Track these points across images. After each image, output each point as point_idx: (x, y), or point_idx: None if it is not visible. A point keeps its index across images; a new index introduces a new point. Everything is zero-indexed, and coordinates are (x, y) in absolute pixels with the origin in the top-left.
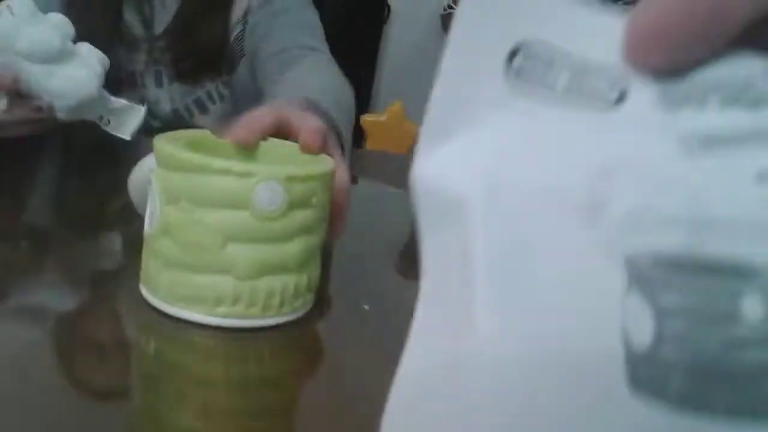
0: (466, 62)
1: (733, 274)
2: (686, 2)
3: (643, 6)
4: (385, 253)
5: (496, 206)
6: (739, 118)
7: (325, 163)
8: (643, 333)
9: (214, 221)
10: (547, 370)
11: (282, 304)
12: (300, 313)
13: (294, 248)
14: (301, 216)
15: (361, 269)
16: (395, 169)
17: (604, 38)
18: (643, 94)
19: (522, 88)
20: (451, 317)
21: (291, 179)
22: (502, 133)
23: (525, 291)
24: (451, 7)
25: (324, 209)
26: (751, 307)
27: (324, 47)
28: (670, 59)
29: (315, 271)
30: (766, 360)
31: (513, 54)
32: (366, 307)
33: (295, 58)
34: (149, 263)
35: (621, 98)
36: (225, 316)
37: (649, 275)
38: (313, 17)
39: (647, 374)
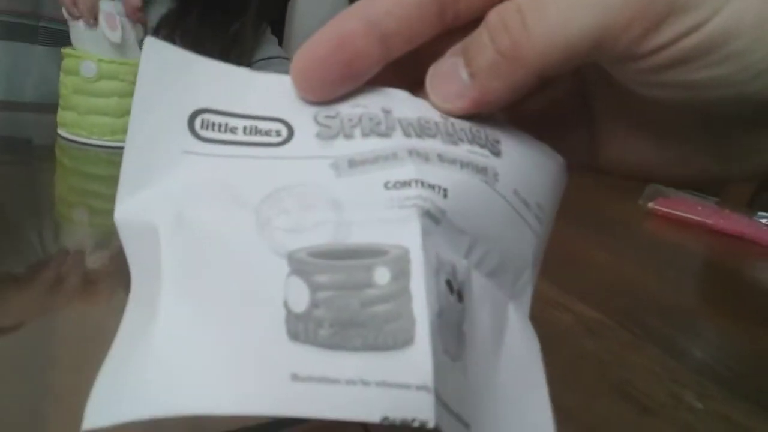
0: (152, 124)
1: (369, 254)
2: (325, 55)
3: (298, 56)
4: None
5: (181, 229)
6: (374, 144)
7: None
8: (301, 301)
9: None
10: (224, 326)
11: None
12: None
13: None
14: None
15: None
16: None
17: (272, 94)
18: (305, 132)
19: (207, 137)
20: (146, 311)
21: (103, 60)
22: (191, 176)
23: (205, 283)
24: None
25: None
26: (380, 275)
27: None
28: (321, 94)
29: None
30: (388, 310)
31: (193, 117)
32: None
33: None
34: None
35: (289, 137)
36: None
37: (305, 263)
38: None
39: (302, 328)
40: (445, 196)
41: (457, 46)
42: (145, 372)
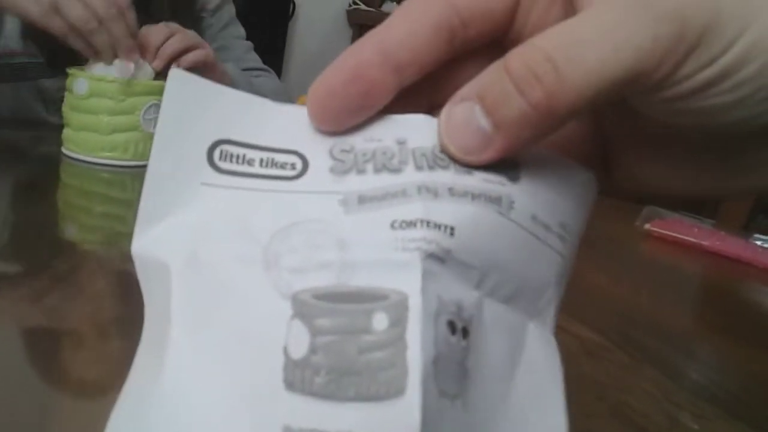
0: (172, 156)
1: (370, 299)
2: (340, 86)
3: (314, 87)
4: None
5: (192, 269)
6: (385, 181)
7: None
8: (300, 346)
9: None
10: (226, 372)
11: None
12: None
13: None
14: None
15: None
16: None
17: (290, 127)
18: (320, 166)
19: (225, 168)
20: (155, 354)
21: (93, 78)
22: (206, 210)
23: (212, 329)
24: (356, 3)
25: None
26: (379, 321)
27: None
28: (336, 124)
29: None
30: (385, 357)
31: (212, 148)
32: None
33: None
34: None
35: (303, 170)
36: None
37: (308, 306)
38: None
39: (299, 376)
40: (452, 234)
41: (467, 89)
42: (152, 422)
